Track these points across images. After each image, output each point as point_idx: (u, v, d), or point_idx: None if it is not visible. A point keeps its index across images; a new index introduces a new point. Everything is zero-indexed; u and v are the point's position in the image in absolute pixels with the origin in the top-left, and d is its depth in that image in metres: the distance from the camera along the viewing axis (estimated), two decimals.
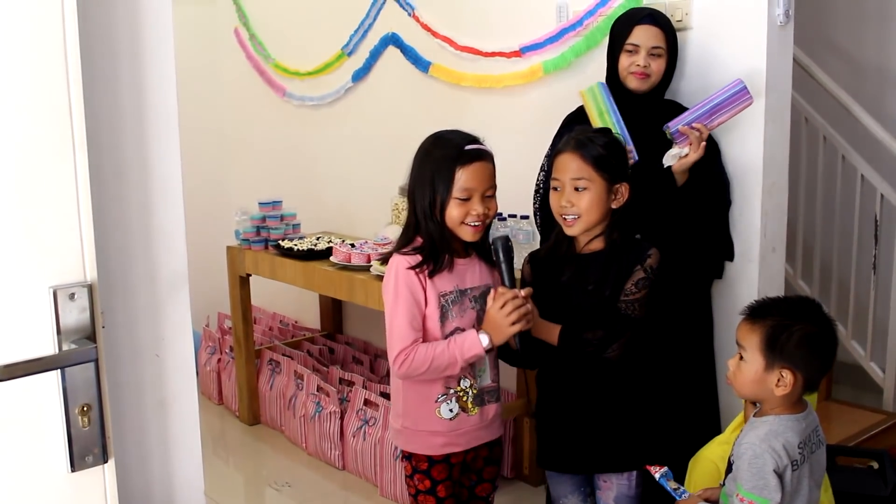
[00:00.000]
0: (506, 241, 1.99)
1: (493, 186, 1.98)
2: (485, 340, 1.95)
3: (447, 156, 1.94)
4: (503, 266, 1.98)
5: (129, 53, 1.24)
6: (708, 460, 2.11)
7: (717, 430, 2.64)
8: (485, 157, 1.96)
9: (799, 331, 1.64)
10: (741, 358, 1.70)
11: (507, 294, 1.95)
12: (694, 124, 2.39)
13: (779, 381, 1.65)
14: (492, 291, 2.00)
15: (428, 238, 1.98)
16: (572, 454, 2.11)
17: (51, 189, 1.08)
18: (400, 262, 1.98)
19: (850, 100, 3.61)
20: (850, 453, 2.56)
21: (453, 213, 1.94)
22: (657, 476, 1.85)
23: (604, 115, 2.44)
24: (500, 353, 2.10)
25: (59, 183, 1.09)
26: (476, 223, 1.95)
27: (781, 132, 2.66)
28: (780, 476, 1.62)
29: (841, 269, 3.76)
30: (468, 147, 1.95)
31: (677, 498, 1.83)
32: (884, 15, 4.04)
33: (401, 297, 1.96)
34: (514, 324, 1.93)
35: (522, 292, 1.96)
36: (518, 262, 2.24)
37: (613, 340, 2.00)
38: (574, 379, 2.08)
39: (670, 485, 1.83)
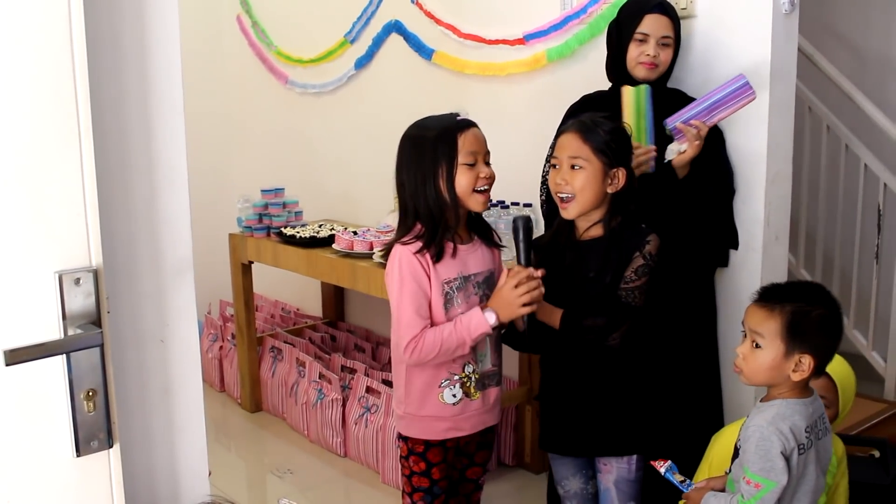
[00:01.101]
0: (527, 220, 2.00)
1: (489, 153, 2.03)
2: (491, 318, 1.96)
3: (445, 129, 1.97)
4: (521, 245, 1.99)
5: (134, 40, 1.23)
6: (730, 438, 2.09)
7: (719, 418, 2.64)
8: (474, 125, 2.02)
9: (817, 315, 1.65)
10: (756, 345, 1.69)
11: (522, 273, 1.96)
12: (692, 121, 2.38)
13: (797, 366, 1.65)
14: (505, 270, 2.01)
15: (427, 220, 1.98)
16: (574, 437, 2.12)
17: (56, 174, 1.08)
18: (402, 252, 1.98)
19: (854, 88, 3.60)
20: (851, 442, 2.56)
21: (462, 181, 1.95)
22: (662, 471, 1.85)
23: (640, 119, 2.41)
24: (504, 336, 2.11)
25: (64, 168, 1.09)
26: (485, 187, 1.98)
27: (786, 121, 2.65)
28: (786, 459, 1.62)
29: (843, 259, 3.76)
30: (459, 118, 2.00)
31: (684, 490, 1.83)
32: (888, 3, 4.03)
33: (406, 286, 1.96)
34: (525, 305, 1.95)
35: (537, 273, 1.97)
36: None
37: (614, 329, 2.00)
38: (576, 364, 2.09)
39: (676, 478, 1.83)
